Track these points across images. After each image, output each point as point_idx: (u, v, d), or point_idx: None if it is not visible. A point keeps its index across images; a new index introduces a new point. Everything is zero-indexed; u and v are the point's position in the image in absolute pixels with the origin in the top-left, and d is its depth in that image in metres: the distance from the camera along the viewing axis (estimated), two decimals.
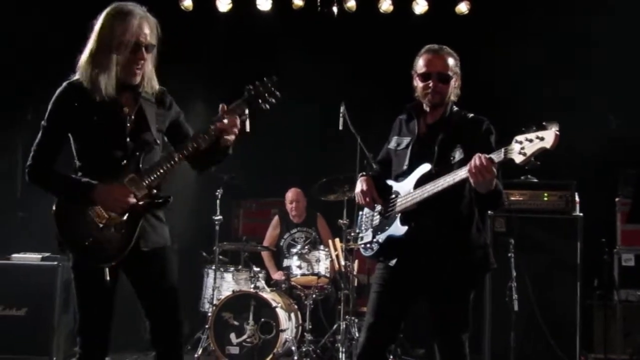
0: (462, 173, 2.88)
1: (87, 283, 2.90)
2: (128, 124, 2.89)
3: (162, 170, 2.85)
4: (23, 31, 6.49)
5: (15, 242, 5.97)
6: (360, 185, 3.31)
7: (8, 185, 6.74)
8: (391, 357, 5.62)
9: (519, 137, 2.72)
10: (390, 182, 3.32)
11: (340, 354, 5.43)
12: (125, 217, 2.82)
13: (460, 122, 3.23)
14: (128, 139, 2.88)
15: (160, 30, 2.92)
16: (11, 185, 6.82)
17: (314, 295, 5.80)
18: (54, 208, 2.92)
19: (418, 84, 3.25)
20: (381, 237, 3.22)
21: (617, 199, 5.56)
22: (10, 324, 5.44)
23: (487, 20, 6.67)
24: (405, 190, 3.16)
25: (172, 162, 2.85)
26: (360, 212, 3.50)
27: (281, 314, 5.45)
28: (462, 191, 3.08)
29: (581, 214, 5.17)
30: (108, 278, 2.82)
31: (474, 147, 2.97)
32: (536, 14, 6.44)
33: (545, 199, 5.21)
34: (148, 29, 2.84)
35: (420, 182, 3.09)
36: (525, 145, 2.68)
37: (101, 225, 2.82)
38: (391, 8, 6.88)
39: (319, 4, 6.93)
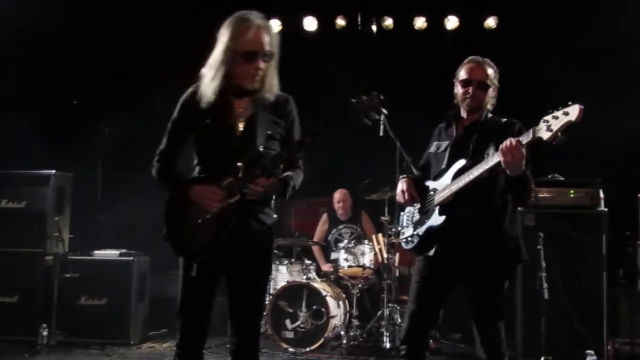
0: (494, 158, 2.85)
1: (186, 274, 2.71)
2: (238, 129, 2.71)
3: (254, 176, 2.62)
4: (101, 50, 6.62)
5: (96, 241, 6.09)
6: (400, 186, 3.31)
7: (89, 192, 6.90)
8: (431, 340, 5.56)
9: (546, 117, 2.68)
10: (428, 182, 3.30)
11: (385, 337, 5.41)
12: (217, 218, 2.65)
13: (494, 124, 3.20)
14: (237, 144, 2.69)
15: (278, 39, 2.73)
16: (92, 191, 6.99)
17: (359, 285, 5.79)
18: (165, 202, 2.78)
19: (459, 90, 3.23)
20: (421, 230, 3.19)
21: (639, 195, 5.39)
22: (92, 312, 5.57)
23: (514, 33, 6.55)
24: (443, 185, 3.13)
25: (265, 169, 2.62)
26: (402, 212, 3.47)
27: (331, 302, 5.45)
28: (495, 182, 3.03)
29: (606, 209, 5.03)
30: (194, 273, 2.66)
31: None
32: (563, 24, 6.27)
33: (572, 195, 5.10)
34: (267, 38, 2.65)
35: (457, 176, 3.06)
36: (552, 122, 2.64)
37: (198, 223, 2.67)
38: (425, 25, 6.84)
39: (359, 23, 6.93)
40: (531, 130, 2.74)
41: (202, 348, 2.78)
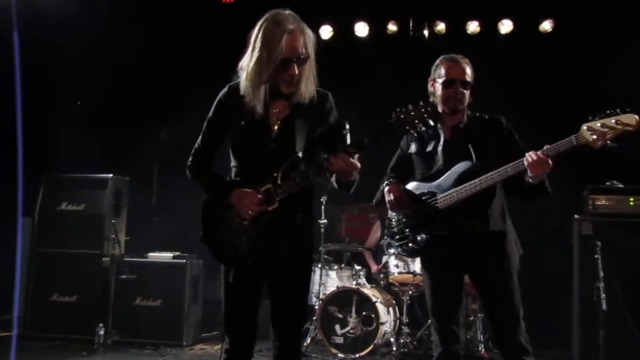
0: (518, 165, 2.85)
1: (226, 279, 2.69)
2: (273, 132, 2.65)
3: (293, 184, 2.57)
4: (158, 54, 6.76)
5: (150, 243, 6.22)
6: (389, 195, 3.20)
7: (145, 195, 7.07)
8: (483, 350, 5.46)
9: (590, 124, 2.66)
10: (415, 184, 3.23)
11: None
12: (255, 225, 2.60)
13: (480, 123, 3.19)
14: (272, 146, 2.64)
15: (315, 39, 2.65)
16: (148, 195, 7.15)
17: (410, 292, 5.73)
18: (203, 204, 2.74)
19: (438, 90, 3.18)
20: (424, 235, 3.14)
21: None
22: (147, 313, 5.68)
23: (570, 36, 6.38)
24: (444, 188, 3.08)
25: (304, 178, 2.58)
26: (390, 216, 3.38)
27: (381, 308, 5.41)
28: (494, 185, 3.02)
29: None
30: (231, 280, 2.64)
31: (503, 146, 3.06)
32: (621, 26, 6.08)
33: (631, 203, 4.92)
34: (301, 41, 2.55)
35: (463, 179, 3.01)
36: (605, 131, 2.61)
37: (235, 229, 2.63)
38: (478, 29, 6.74)
39: (411, 28, 6.89)
40: (573, 138, 2.73)
41: (251, 352, 2.76)
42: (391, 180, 3.31)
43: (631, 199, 4.92)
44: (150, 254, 5.93)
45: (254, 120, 2.63)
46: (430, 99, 3.24)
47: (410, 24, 6.93)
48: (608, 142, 2.61)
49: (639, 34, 5.80)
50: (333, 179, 2.68)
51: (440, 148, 3.17)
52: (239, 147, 2.74)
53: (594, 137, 2.64)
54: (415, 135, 2.84)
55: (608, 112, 2.64)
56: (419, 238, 3.18)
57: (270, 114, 2.66)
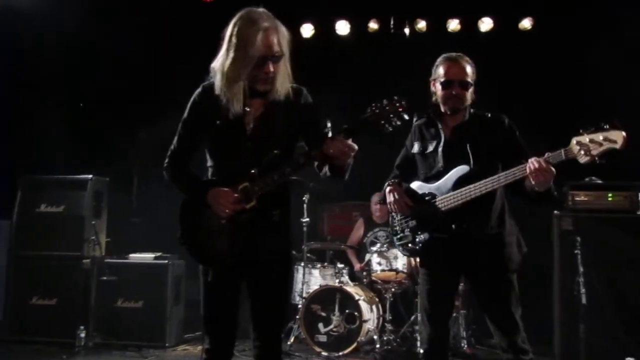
0: (517, 173, 2.84)
1: (205, 278, 2.69)
2: (249, 131, 2.65)
3: (270, 181, 2.57)
4: (137, 55, 6.73)
5: (132, 244, 6.17)
6: (391, 196, 3.23)
7: (126, 196, 7.02)
8: (466, 346, 5.51)
9: (580, 139, 2.64)
10: (418, 184, 3.25)
11: (418, 342, 5.36)
12: (232, 224, 2.60)
13: (481, 122, 3.17)
14: (249, 144, 2.63)
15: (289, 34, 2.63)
16: (128, 195, 7.11)
17: (393, 289, 5.76)
18: (181, 204, 2.73)
19: (438, 90, 3.18)
20: (424, 236, 3.17)
21: None
22: (129, 314, 5.65)
23: (550, 34, 6.45)
24: (443, 190, 3.10)
25: (282, 175, 2.58)
26: (391, 215, 3.42)
27: (364, 306, 5.44)
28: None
29: None
30: (210, 279, 2.64)
31: (503, 145, 3.04)
32: (599, 24, 6.17)
33: (610, 199, 4.99)
34: (275, 39, 2.55)
35: (460, 183, 3.03)
36: (591, 147, 2.58)
37: (213, 228, 2.62)
38: (459, 27, 6.79)
39: (392, 26, 6.91)
40: (562, 151, 2.71)
41: (231, 352, 2.75)
42: (394, 180, 3.34)
43: (610, 195, 5.00)
44: (132, 255, 5.89)
45: (230, 120, 2.62)
46: (433, 99, 3.25)
47: (392, 22, 6.95)
48: (596, 158, 2.59)
49: (617, 31, 5.89)
50: (325, 169, 2.67)
51: (440, 149, 3.17)
52: (215, 147, 2.74)
53: (582, 152, 2.62)
54: (392, 126, 2.70)
55: (602, 125, 2.59)
56: (417, 239, 3.21)
57: (245, 113, 2.65)
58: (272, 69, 2.57)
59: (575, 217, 4.92)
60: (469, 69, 3.16)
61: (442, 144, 3.17)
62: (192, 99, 2.77)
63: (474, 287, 3.18)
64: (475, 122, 3.17)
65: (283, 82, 2.64)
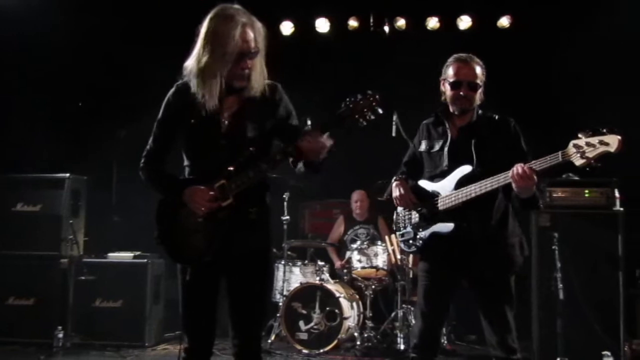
0: (508, 177, 2.86)
1: (183, 277, 2.67)
2: (224, 128, 2.63)
3: (247, 179, 2.56)
4: (116, 53, 6.67)
5: (110, 243, 6.12)
6: (397, 190, 3.28)
7: (104, 194, 6.95)
8: (446, 342, 5.56)
9: (577, 142, 2.65)
10: (424, 182, 3.27)
11: (399, 339, 5.42)
12: (209, 221, 2.58)
13: (489, 123, 3.19)
14: (224, 142, 2.62)
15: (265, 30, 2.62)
16: (107, 194, 7.03)
17: (373, 286, 5.79)
18: (158, 203, 2.71)
19: (447, 90, 3.20)
20: (424, 234, 3.19)
21: None
22: (108, 314, 5.61)
23: (528, 32, 6.52)
24: (446, 190, 3.12)
25: (258, 172, 2.57)
26: (396, 211, 3.46)
27: (344, 303, 5.46)
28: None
29: (622, 209, 4.97)
30: (188, 277, 2.62)
31: (507, 148, 3.04)
32: (578, 22, 6.24)
33: (587, 195, 5.05)
34: (251, 35, 2.54)
35: (462, 183, 3.06)
36: (587, 150, 2.60)
37: (190, 226, 2.60)
38: (438, 25, 6.84)
39: (372, 24, 6.94)
40: (560, 154, 2.72)
41: (210, 351, 2.74)
42: (401, 176, 3.37)
43: (587, 191, 5.06)
44: (110, 254, 5.85)
45: (204, 118, 2.61)
46: (442, 98, 3.26)
47: (371, 20, 6.97)
48: (592, 161, 2.62)
49: (593, 29, 5.96)
50: (300, 164, 2.67)
51: (446, 148, 3.19)
52: (190, 146, 2.72)
53: (577, 155, 2.63)
54: (366, 120, 2.54)
55: (600, 129, 2.60)
56: (418, 236, 3.23)
57: (220, 110, 2.63)
58: (249, 65, 2.57)
59: (553, 214, 4.98)
60: (478, 70, 3.17)
61: (448, 143, 3.20)
62: (166, 98, 2.75)
63: (471, 285, 3.17)
64: (483, 124, 3.19)
65: (258, 78, 2.63)
